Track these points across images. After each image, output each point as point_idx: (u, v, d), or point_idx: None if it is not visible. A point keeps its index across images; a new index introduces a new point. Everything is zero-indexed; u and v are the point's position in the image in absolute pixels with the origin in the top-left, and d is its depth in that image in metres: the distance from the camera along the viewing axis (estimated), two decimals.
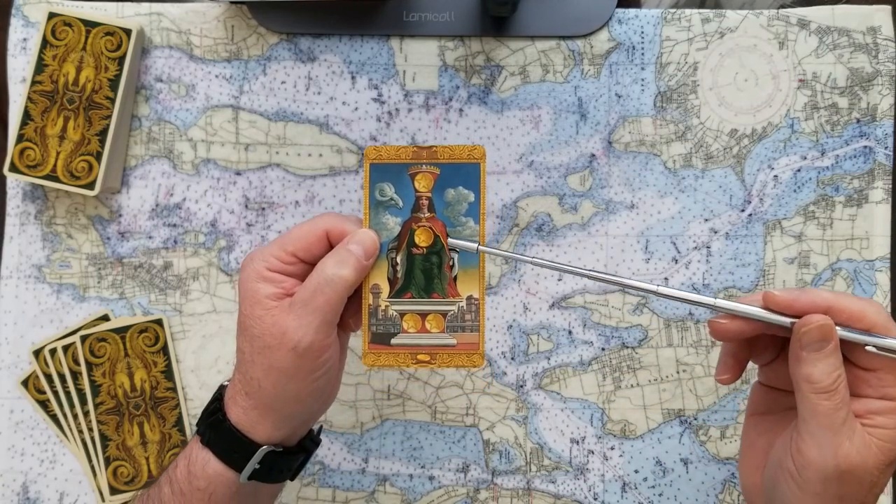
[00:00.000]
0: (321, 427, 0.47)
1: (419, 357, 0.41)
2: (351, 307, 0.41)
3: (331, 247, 0.40)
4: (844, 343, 0.36)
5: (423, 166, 0.41)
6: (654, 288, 0.38)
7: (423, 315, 0.41)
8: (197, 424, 0.42)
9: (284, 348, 0.38)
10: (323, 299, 0.38)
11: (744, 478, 0.41)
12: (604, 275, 0.39)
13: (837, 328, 0.35)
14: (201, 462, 0.40)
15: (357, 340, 0.52)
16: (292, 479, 0.44)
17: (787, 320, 0.36)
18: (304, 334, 0.38)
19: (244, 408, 0.40)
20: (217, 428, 0.40)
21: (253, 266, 0.40)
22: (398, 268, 0.41)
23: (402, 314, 0.41)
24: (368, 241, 0.40)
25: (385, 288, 0.41)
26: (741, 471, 0.42)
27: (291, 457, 0.42)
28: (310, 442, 0.44)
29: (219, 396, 0.42)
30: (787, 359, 0.39)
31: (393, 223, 0.41)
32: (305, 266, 0.40)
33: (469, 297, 0.41)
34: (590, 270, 0.40)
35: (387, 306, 0.41)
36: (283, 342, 0.38)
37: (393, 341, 0.41)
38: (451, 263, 0.41)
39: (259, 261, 0.40)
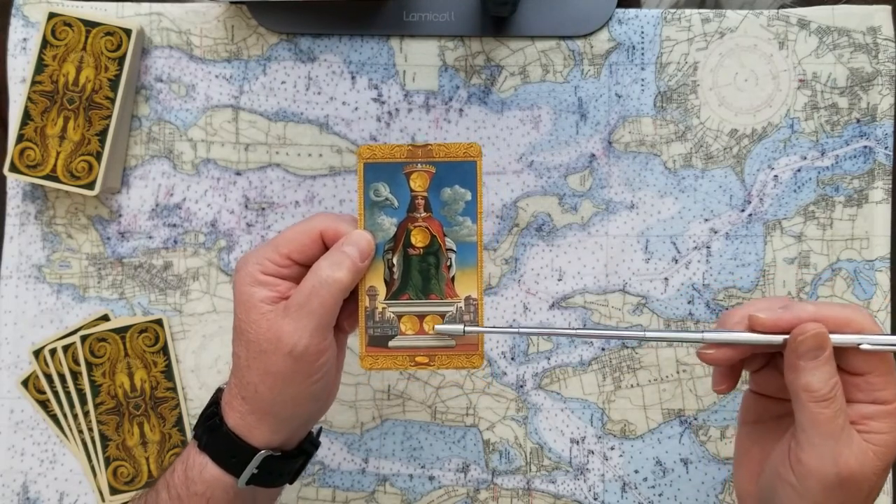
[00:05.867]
0: (321, 428, 0.46)
1: (417, 359, 0.41)
2: (346, 309, 0.41)
3: (325, 248, 0.40)
4: (834, 350, 0.36)
5: (419, 165, 0.40)
6: (641, 334, 0.40)
7: (421, 316, 0.41)
8: (194, 428, 0.42)
9: (280, 353, 0.38)
10: (318, 302, 0.38)
11: (739, 486, 0.41)
12: (591, 331, 0.44)
13: (830, 335, 0.36)
14: (199, 467, 0.40)
15: (355, 340, 0.52)
16: (291, 483, 0.44)
17: (777, 339, 0.37)
18: (299, 338, 0.37)
19: (241, 412, 0.40)
20: (214, 432, 0.40)
21: (247, 269, 0.39)
22: (394, 269, 0.41)
23: (399, 316, 0.41)
24: (363, 242, 0.39)
25: (381, 290, 0.41)
26: (736, 479, 0.42)
27: (290, 460, 0.42)
28: (309, 444, 0.43)
29: (216, 400, 0.42)
30: (777, 366, 0.39)
31: (388, 224, 0.40)
32: (300, 268, 0.40)
33: (467, 298, 0.41)
34: (577, 329, 0.43)
35: (384, 308, 0.41)
36: (279, 347, 0.38)
37: (391, 344, 0.41)
38: (448, 264, 0.41)
39: (253, 264, 0.39)
